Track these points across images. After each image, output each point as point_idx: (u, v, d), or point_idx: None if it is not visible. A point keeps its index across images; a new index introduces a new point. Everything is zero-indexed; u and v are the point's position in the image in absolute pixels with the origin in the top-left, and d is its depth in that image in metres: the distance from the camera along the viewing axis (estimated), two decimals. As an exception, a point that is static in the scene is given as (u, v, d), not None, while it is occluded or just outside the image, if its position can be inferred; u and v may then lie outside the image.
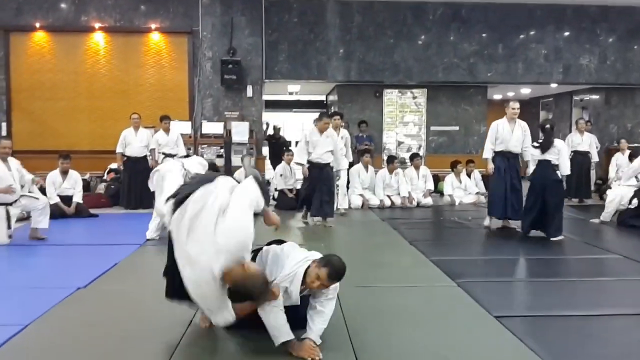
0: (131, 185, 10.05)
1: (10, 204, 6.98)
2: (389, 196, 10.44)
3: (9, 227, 6.95)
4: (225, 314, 3.29)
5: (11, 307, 4.43)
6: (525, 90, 15.54)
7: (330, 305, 3.59)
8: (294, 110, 18.59)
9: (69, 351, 3.58)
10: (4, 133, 11.43)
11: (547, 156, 7.20)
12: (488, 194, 8.55)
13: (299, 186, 10.61)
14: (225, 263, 3.07)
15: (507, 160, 7.79)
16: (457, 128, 13.01)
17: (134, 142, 10.10)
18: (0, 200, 6.89)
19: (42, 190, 9.24)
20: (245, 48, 11.70)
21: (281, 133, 14.61)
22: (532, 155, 7.37)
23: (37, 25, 11.66)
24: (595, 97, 13.83)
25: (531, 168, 7.45)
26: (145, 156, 10.19)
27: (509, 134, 7.73)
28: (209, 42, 11.71)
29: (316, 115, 16.00)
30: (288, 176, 10.46)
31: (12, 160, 7.12)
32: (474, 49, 12.49)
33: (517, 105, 7.82)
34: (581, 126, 11.04)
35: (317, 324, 3.51)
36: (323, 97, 16.72)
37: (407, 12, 12.33)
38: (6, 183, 6.85)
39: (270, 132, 13.92)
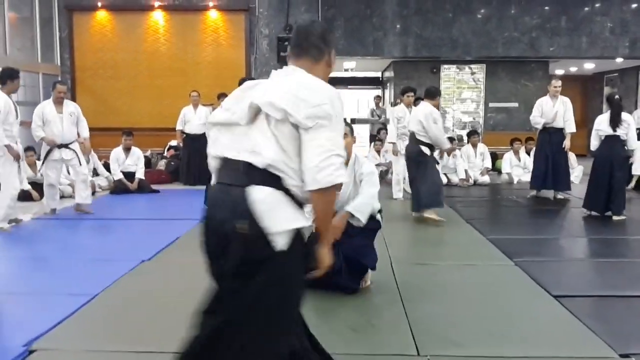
0: (190, 162, 10.28)
1: (62, 146, 7.17)
2: (445, 174, 10.33)
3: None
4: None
5: (81, 278, 4.65)
6: (589, 65, 14.97)
7: (369, 188, 4.09)
8: (349, 87, 18.51)
9: (135, 320, 3.75)
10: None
11: (617, 131, 6.93)
12: (532, 167, 8.88)
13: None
14: None
15: (549, 135, 8.30)
16: (516, 105, 12.69)
17: (193, 119, 10.31)
18: (57, 139, 7.12)
19: (107, 167, 9.61)
20: (301, 25, 11.68)
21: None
22: (599, 131, 7.10)
23: (99, 4, 11.96)
24: (664, 71, 13.23)
25: (594, 144, 7.23)
26: (204, 133, 10.37)
27: (550, 110, 8.19)
28: (265, 19, 11.76)
29: (372, 92, 15.99)
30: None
31: (67, 105, 7.33)
32: (535, 22, 12.10)
33: (558, 83, 8.31)
34: None
35: (356, 199, 4.06)
36: (379, 74, 16.58)
37: (467, -15, 12.05)
38: (53, 125, 7.08)
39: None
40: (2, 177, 6.28)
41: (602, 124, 7.05)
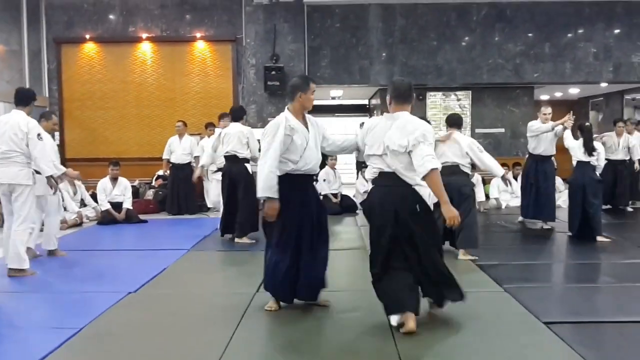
0: (175, 191, 10.30)
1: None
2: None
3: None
4: None
5: (66, 311, 4.58)
6: (574, 90, 15.16)
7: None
8: (337, 114, 18.61)
9: (121, 353, 3.68)
10: (57, 142, 11.81)
11: (588, 158, 7.24)
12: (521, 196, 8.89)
13: (343, 191, 10.64)
14: None
15: (536, 163, 8.19)
16: (502, 130, 12.78)
17: (177, 149, 10.36)
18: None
19: (94, 197, 9.56)
20: (288, 54, 11.79)
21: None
22: (573, 156, 7.38)
23: (87, 36, 12.02)
24: (647, 95, 13.41)
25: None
26: (189, 163, 10.40)
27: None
28: (252, 49, 11.85)
29: (359, 119, 16.09)
30: (332, 181, 10.47)
31: None
32: (519, 49, 12.27)
33: (548, 110, 8.12)
34: (629, 128, 10.67)
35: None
36: (365, 101, 16.70)
37: (451, 14, 12.20)
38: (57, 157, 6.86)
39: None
40: (23, 211, 5.75)
41: (575, 150, 7.34)
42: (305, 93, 4.36)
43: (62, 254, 6.75)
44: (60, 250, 6.77)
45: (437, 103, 12.79)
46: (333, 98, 16.35)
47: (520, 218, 8.63)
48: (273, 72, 11.49)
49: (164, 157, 10.44)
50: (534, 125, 8.12)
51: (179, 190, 10.29)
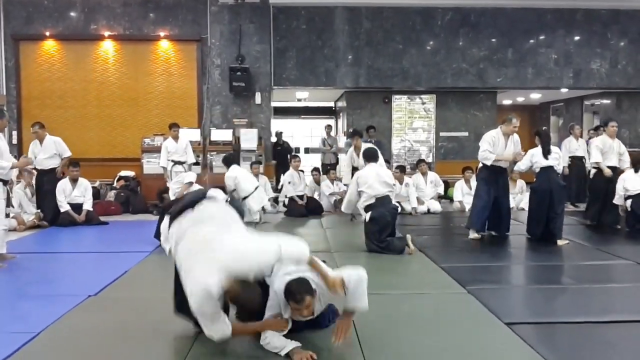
0: (45, 202, 9.12)
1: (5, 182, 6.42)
2: (399, 203, 10.36)
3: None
4: (219, 327, 3.33)
5: (23, 314, 4.45)
6: (535, 96, 15.47)
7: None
8: (303, 116, 18.63)
9: (80, 358, 3.59)
10: (14, 141, 11.54)
11: (550, 162, 7.40)
12: (471, 205, 8.28)
13: (309, 193, 10.60)
14: (223, 279, 3.13)
15: (495, 174, 7.61)
16: (466, 134, 12.96)
17: (40, 154, 9.09)
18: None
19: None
20: (254, 55, 11.73)
21: (288, 139, 14.46)
22: (534, 163, 7.48)
23: (47, 33, 11.75)
24: (606, 101, 13.75)
25: (522, 168, 7.72)
26: (54, 168, 9.20)
27: (502, 149, 7.50)
28: (217, 49, 11.75)
29: (325, 121, 16.11)
30: (297, 183, 10.42)
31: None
32: (483, 54, 12.46)
33: (518, 123, 7.47)
34: (577, 132, 10.96)
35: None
36: (331, 104, 16.73)
37: (416, 18, 12.32)
38: (8, 157, 6.40)
39: (274, 139, 13.59)
40: None
41: (536, 156, 7.47)
42: None
43: (10, 257, 6.41)
44: (7, 254, 6.40)
45: (403, 106, 12.89)
46: (299, 100, 16.36)
47: (472, 235, 7.81)
48: (238, 73, 11.43)
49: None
50: (485, 150, 7.55)
51: (45, 198, 9.09)
